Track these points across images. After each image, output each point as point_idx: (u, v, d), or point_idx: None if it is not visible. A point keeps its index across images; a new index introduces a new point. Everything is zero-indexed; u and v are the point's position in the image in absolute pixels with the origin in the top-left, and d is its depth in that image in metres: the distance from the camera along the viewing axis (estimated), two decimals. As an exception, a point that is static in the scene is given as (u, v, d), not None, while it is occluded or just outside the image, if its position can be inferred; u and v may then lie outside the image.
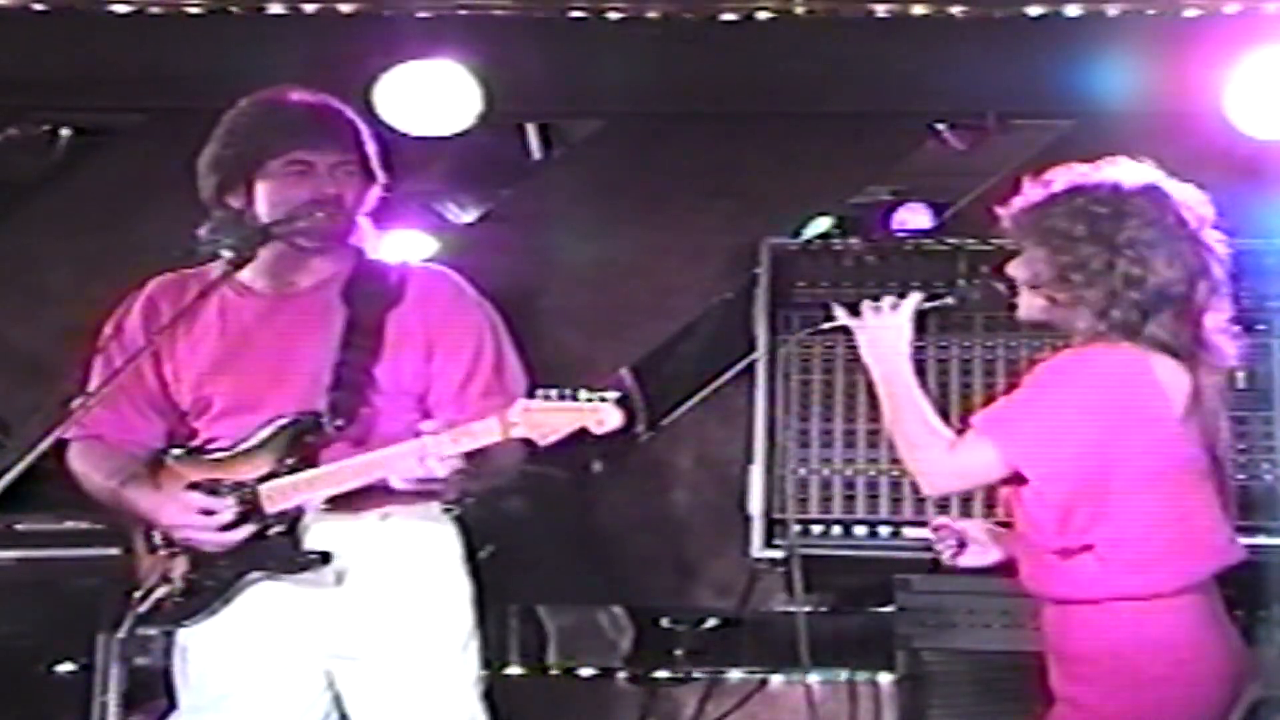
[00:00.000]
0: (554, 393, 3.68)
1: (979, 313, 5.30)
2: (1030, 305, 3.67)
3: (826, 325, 3.85)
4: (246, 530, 3.86)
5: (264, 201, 3.95)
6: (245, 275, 4.01)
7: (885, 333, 3.71)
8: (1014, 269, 3.67)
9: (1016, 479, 3.56)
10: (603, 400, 3.65)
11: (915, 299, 3.73)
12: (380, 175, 4.07)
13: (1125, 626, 3.48)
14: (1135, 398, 3.49)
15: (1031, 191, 3.65)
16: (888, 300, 3.74)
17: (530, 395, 3.71)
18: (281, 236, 3.94)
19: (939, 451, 3.59)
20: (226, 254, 3.86)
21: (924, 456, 3.61)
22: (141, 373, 4.02)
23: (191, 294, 3.96)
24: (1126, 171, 3.60)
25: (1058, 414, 3.50)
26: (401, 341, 3.96)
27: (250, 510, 3.86)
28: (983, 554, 3.88)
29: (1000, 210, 3.69)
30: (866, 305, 3.75)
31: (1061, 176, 3.63)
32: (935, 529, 3.94)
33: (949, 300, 3.84)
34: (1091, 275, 3.52)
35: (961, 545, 3.89)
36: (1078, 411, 3.48)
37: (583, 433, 3.66)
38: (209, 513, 3.86)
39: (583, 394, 3.67)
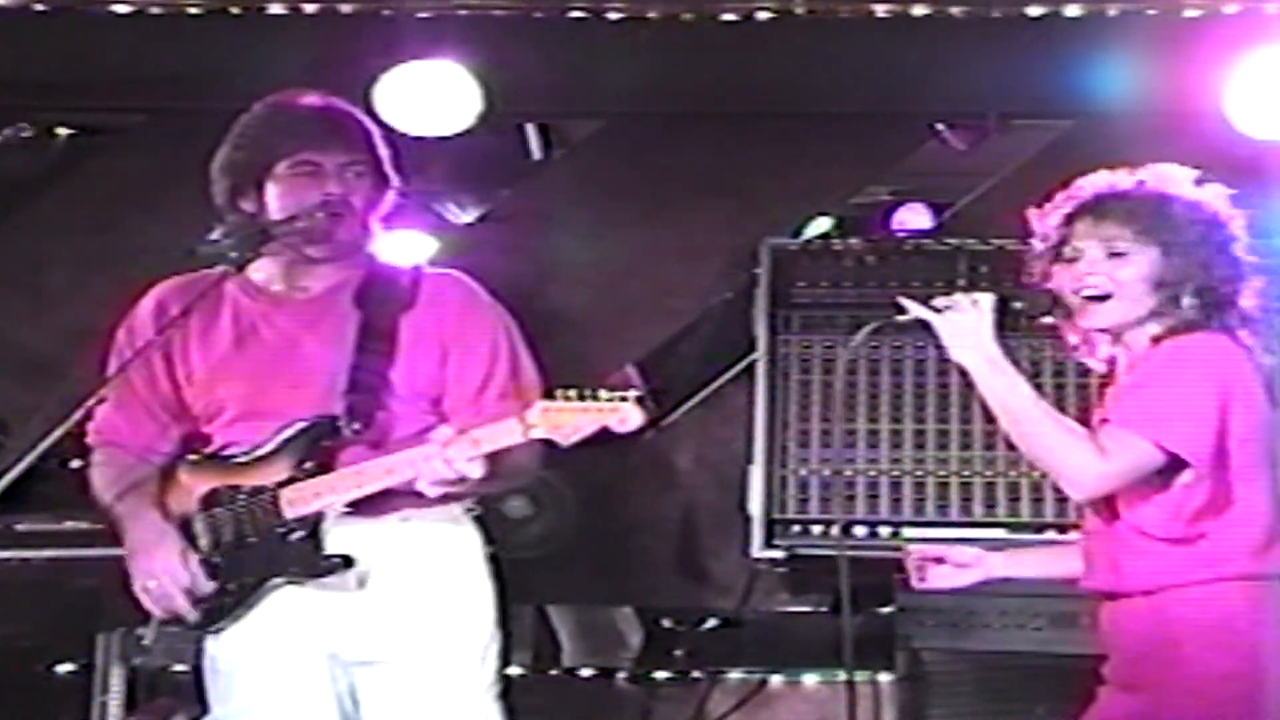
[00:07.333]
0: (573, 393, 3.66)
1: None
2: (1129, 308, 3.57)
3: (901, 318, 3.59)
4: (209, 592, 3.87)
5: (274, 204, 3.92)
6: (258, 278, 3.99)
7: (968, 323, 3.51)
8: (1123, 271, 3.56)
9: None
10: (623, 400, 3.64)
11: (990, 298, 3.54)
12: (394, 179, 4.04)
13: (1236, 606, 3.46)
14: (1244, 380, 3.51)
15: (1108, 186, 3.61)
16: (963, 297, 3.55)
17: (549, 396, 3.68)
18: (282, 237, 3.92)
19: (1088, 457, 3.44)
20: (232, 254, 3.87)
21: (1072, 463, 3.45)
22: (155, 377, 4.00)
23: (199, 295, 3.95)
24: (1181, 174, 3.63)
25: (1193, 397, 3.46)
26: (415, 345, 3.94)
27: (269, 515, 3.85)
28: (956, 575, 3.86)
29: (1106, 200, 3.59)
30: (939, 300, 3.56)
31: (1143, 175, 3.62)
32: (910, 555, 3.88)
33: (1018, 304, 3.61)
34: (1198, 277, 3.54)
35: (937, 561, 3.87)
36: (1209, 393, 3.47)
37: (604, 431, 3.65)
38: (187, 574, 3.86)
39: (603, 393, 3.65)
